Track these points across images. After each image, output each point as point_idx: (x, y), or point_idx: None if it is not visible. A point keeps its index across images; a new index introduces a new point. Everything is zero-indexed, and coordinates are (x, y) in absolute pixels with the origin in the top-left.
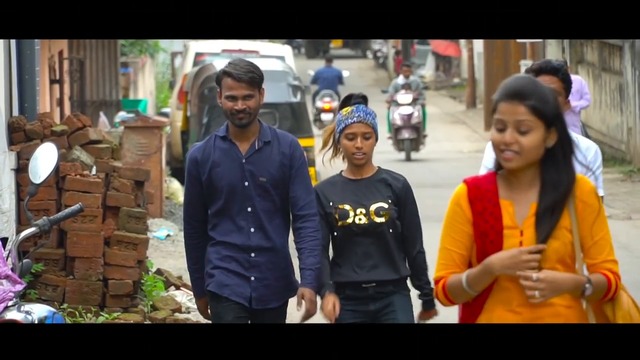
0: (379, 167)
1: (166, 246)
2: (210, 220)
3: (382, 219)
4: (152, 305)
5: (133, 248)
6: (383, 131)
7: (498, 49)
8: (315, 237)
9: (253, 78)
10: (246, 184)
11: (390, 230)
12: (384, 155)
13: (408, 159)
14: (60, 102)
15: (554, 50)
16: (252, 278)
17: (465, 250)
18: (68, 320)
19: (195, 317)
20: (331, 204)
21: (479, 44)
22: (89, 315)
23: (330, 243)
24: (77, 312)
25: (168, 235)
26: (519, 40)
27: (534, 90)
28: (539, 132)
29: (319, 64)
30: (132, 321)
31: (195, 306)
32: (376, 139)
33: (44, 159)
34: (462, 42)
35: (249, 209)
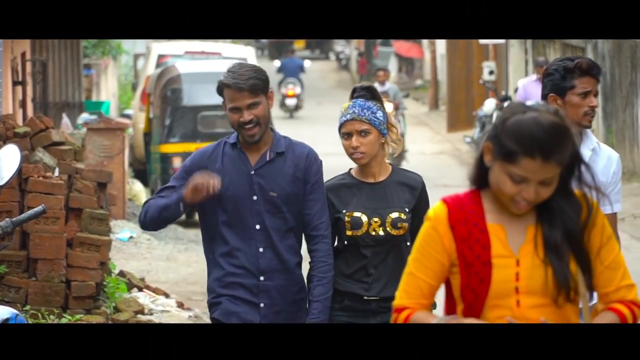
0: (392, 166)
1: (129, 248)
2: (211, 237)
3: (400, 231)
4: (114, 307)
5: (96, 250)
6: None
7: (461, 50)
8: (326, 263)
9: (255, 85)
10: (255, 198)
11: (407, 243)
12: None
13: None
14: (23, 104)
15: (516, 51)
16: (262, 305)
17: (436, 280)
18: (30, 322)
19: (158, 318)
20: (344, 210)
21: (441, 46)
22: (51, 317)
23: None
24: (39, 314)
25: (131, 237)
26: (481, 42)
27: (563, 143)
28: (558, 176)
29: None
30: (94, 322)
31: (158, 308)
32: (382, 134)
33: (7, 161)
34: (425, 43)
35: (258, 226)
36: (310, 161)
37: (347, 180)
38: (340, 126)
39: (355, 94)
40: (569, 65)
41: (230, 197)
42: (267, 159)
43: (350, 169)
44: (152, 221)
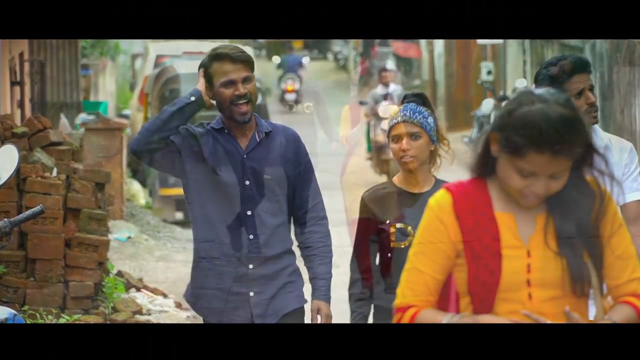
0: (435, 178)
1: (127, 248)
2: (197, 225)
3: None
4: (112, 307)
5: (94, 250)
6: (362, 150)
7: (459, 50)
8: (325, 243)
9: (249, 58)
10: (247, 183)
11: None
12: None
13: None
14: (21, 104)
15: (514, 51)
16: (251, 294)
17: (443, 274)
18: (29, 322)
19: (156, 318)
20: (387, 221)
21: (439, 46)
22: (49, 317)
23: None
24: (37, 314)
25: (129, 237)
26: (479, 42)
27: (573, 135)
28: (569, 169)
29: None
30: (93, 323)
31: (156, 308)
32: (432, 140)
33: (5, 161)
34: (423, 43)
35: (249, 212)
36: (297, 142)
37: (389, 189)
38: (390, 129)
39: (406, 99)
40: (553, 71)
41: (220, 184)
42: (258, 140)
43: (393, 177)
44: (155, 124)
